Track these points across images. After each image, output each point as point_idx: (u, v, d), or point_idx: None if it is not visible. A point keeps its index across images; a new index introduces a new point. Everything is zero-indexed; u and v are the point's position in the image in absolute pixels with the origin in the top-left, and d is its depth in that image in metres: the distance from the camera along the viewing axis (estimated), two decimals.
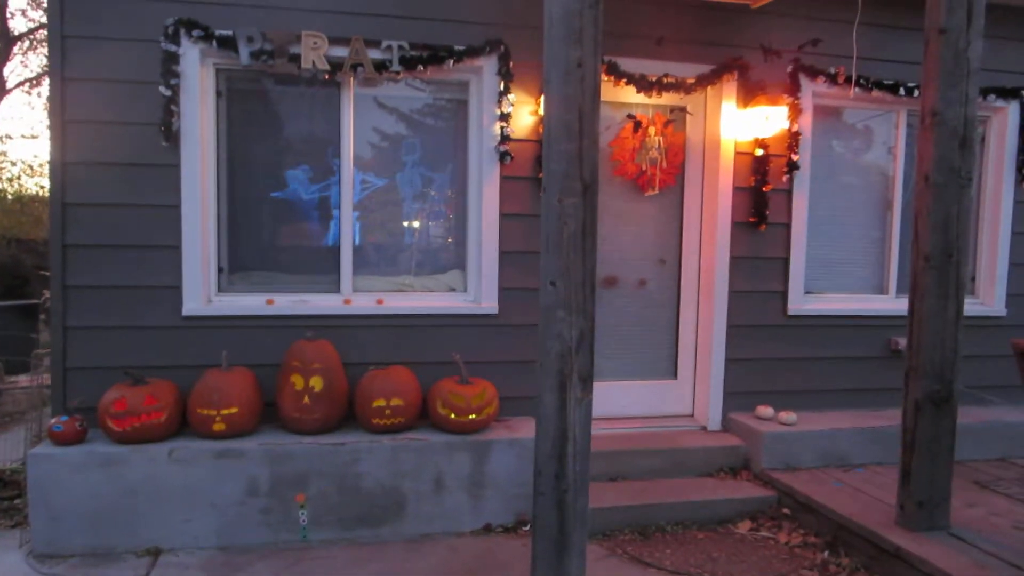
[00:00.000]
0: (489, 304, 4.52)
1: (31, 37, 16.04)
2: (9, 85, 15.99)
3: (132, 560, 3.72)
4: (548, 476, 3.18)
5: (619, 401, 4.99)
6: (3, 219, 16.72)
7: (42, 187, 17.19)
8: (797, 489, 4.25)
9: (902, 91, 4.99)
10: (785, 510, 4.31)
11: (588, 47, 3.06)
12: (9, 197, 18.12)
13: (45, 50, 16.51)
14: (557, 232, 3.15)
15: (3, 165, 18.40)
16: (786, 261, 4.99)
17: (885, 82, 4.97)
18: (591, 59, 3.06)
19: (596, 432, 4.79)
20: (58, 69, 3.97)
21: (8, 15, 15.13)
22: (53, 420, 3.81)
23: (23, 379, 8.29)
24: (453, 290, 4.63)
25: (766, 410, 4.85)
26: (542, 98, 4.46)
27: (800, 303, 5.02)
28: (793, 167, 4.87)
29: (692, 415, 5.13)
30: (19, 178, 17.89)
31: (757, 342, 4.98)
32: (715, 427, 4.95)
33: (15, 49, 15.84)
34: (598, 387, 4.80)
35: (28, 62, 16.65)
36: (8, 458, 5.24)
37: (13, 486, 4.64)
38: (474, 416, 4.11)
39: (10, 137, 19.70)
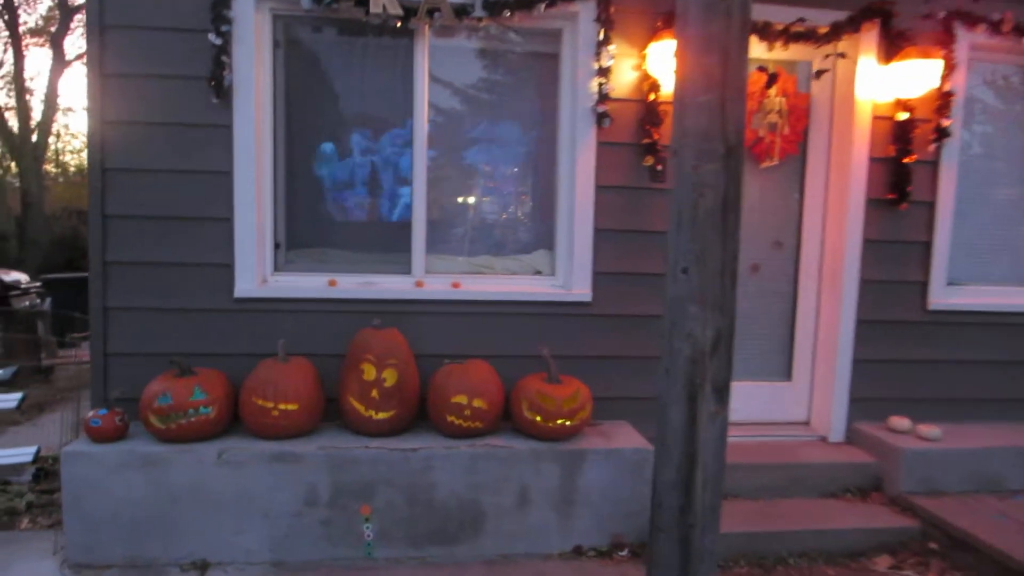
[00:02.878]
0: (581, 290, 3.91)
1: None
2: (69, 57, 15.93)
3: (176, 574, 3.27)
4: (671, 509, 2.58)
5: None
6: (66, 192, 16.83)
7: None
8: (949, 521, 3.54)
9: None
10: (932, 545, 3.60)
11: None
12: (72, 170, 18.27)
13: None
14: (691, 206, 2.51)
15: (66, 139, 18.54)
16: (927, 246, 4.23)
17: None
18: None
19: None
20: (95, 15, 3.49)
21: None
22: (91, 413, 3.37)
23: (78, 353, 8.07)
24: (539, 273, 4.02)
25: (901, 422, 4.13)
26: (648, 50, 3.81)
27: (942, 296, 4.25)
28: (943, 134, 4.09)
29: (807, 423, 4.44)
30: (81, 151, 17.99)
31: (890, 341, 4.25)
32: (837, 438, 4.25)
33: (73, 23, 15.75)
34: None
35: None
36: (55, 442, 4.89)
37: (55, 477, 4.26)
38: (565, 421, 3.52)
39: (71, 110, 19.81)
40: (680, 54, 2.46)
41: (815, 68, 4.15)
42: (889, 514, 3.79)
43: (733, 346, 2.60)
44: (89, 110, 3.50)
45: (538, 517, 3.52)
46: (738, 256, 2.57)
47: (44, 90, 15.90)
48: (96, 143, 3.51)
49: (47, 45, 16.45)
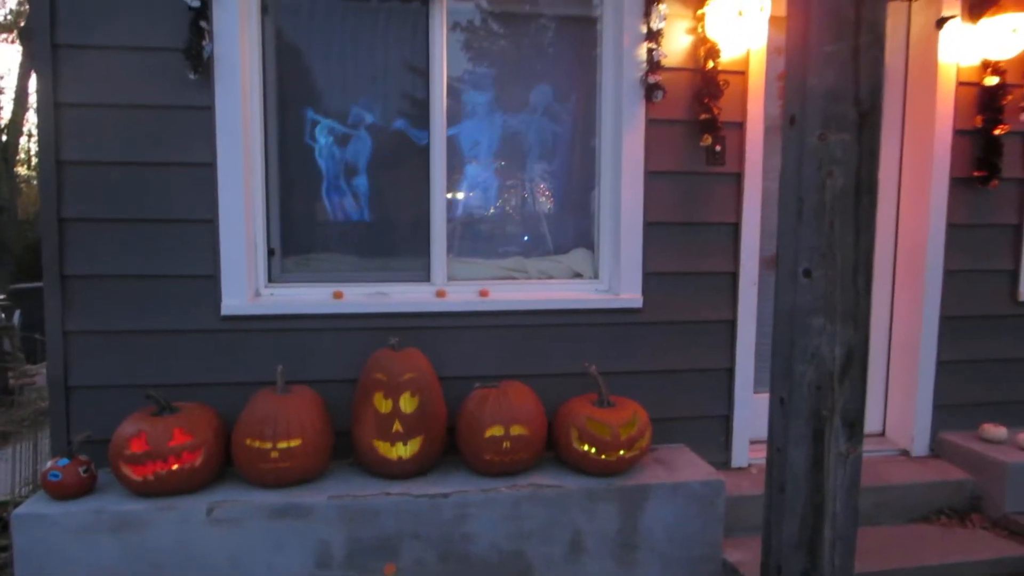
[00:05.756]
0: (629, 295, 3.33)
1: None
2: None
3: None
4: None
5: None
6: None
7: None
8: None
9: None
10: None
11: None
12: None
13: None
14: (816, 188, 1.96)
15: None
16: (1017, 229, 3.70)
17: None
18: None
19: (760, 462, 3.62)
20: None
21: None
22: (49, 464, 2.75)
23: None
24: (579, 276, 3.45)
25: (997, 430, 3.60)
26: (705, 8, 3.22)
27: None
28: None
29: (883, 434, 3.90)
30: None
31: (975, 338, 3.72)
32: (921, 451, 3.72)
33: None
34: (757, 399, 3.64)
35: None
36: (17, 480, 4.25)
37: None
38: (624, 453, 2.96)
39: None
40: None
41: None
42: (996, 540, 3.27)
43: (867, 367, 2.06)
44: (38, 89, 2.87)
45: (594, 567, 2.96)
46: (873, 252, 2.01)
47: (14, 88, 15.08)
48: (48, 129, 2.87)
49: (16, 42, 15.61)
